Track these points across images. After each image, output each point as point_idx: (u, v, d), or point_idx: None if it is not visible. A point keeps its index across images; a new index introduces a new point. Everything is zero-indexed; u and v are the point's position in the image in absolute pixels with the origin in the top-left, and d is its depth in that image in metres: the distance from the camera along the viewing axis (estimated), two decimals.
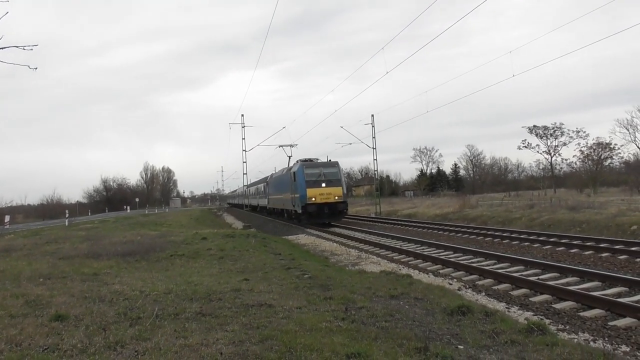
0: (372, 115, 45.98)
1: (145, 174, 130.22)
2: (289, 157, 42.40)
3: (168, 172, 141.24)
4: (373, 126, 45.59)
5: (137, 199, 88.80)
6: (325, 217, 29.24)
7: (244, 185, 65.35)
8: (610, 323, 6.88)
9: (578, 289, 8.84)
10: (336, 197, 29.36)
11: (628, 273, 10.20)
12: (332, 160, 32.40)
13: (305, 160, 31.98)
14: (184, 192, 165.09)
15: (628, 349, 5.74)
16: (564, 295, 8.39)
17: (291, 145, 43.54)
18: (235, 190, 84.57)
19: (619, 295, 8.40)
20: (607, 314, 7.32)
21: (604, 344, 5.88)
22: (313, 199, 29.10)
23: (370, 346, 5.01)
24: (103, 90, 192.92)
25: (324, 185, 29.48)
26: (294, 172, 31.03)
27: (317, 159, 32.85)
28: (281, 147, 43.72)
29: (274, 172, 46.92)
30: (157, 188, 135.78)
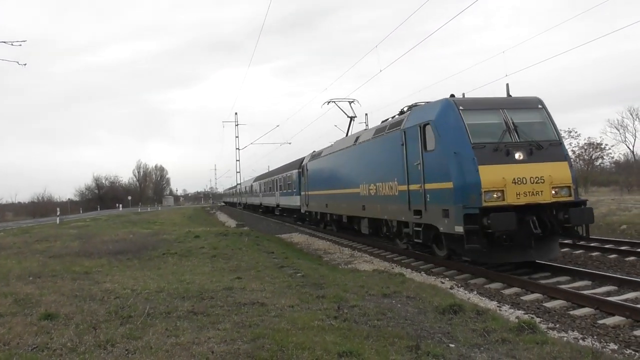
0: (366, 114, 45.85)
1: (138, 172, 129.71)
2: (351, 118, 22.87)
3: (161, 170, 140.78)
4: (367, 125, 45.57)
5: (129, 197, 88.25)
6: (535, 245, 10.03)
7: (240, 182, 61.29)
8: (600, 321, 6.93)
9: (568, 287, 8.90)
10: (557, 190, 10.25)
11: (617, 272, 10.27)
12: (524, 97, 11.78)
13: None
14: (177, 191, 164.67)
15: (616, 347, 5.78)
16: (555, 294, 8.45)
17: (286, 144, 42.69)
18: (237, 186, 67.95)
19: (608, 294, 8.47)
20: (596, 312, 7.37)
21: (593, 342, 5.92)
22: (499, 194, 9.91)
23: (362, 345, 5.02)
24: (95, 87, 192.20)
25: (521, 156, 10.25)
26: (432, 122, 11.07)
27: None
28: (279, 143, 42.24)
29: (313, 151, 25.14)
30: (150, 186, 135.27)
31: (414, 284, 9.01)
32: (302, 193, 26.52)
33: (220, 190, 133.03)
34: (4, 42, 5.70)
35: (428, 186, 11.16)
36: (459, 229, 9.85)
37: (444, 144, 10.52)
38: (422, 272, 11.49)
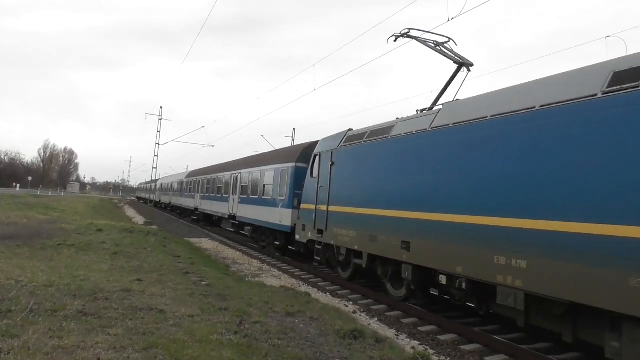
0: (294, 129, 46.10)
1: (44, 152, 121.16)
2: (463, 65, 10.82)
3: (70, 154, 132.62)
4: (293, 139, 45.77)
5: (30, 178, 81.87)
6: None
7: (159, 177, 56.24)
8: (486, 358, 7.31)
9: (461, 322, 9.33)
10: None
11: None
12: None
13: None
14: (84, 178, 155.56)
15: None
16: (450, 327, 8.82)
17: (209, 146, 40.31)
18: (156, 182, 58.81)
19: (496, 332, 8.96)
20: (484, 348, 7.77)
21: None
22: None
23: None
24: (12, 52, 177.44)
25: None
26: None
27: None
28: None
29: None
30: (56, 169, 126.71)
31: (319, 304, 9.04)
32: (308, 206, 14.14)
33: (134, 183, 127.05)
34: None
35: None
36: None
37: None
38: (328, 293, 11.58)
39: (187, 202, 37.51)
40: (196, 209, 33.99)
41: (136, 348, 5.03)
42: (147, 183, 72.83)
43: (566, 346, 7.41)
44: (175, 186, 45.01)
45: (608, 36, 8.42)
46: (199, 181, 33.84)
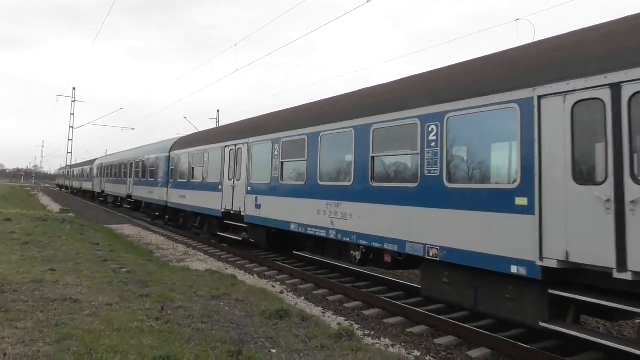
0: (218, 111, 45.15)
1: None
2: None
3: None
4: (218, 122, 44.80)
5: None
6: None
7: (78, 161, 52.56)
8: (408, 329, 7.62)
9: (385, 296, 9.64)
10: None
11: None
12: None
13: None
14: None
15: (419, 354, 6.41)
16: (374, 302, 9.09)
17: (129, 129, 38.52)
18: (83, 166, 49.52)
19: (417, 304, 9.36)
20: (406, 321, 8.09)
21: (400, 349, 6.48)
22: None
23: (181, 349, 4.82)
24: None
25: None
26: None
27: None
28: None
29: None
30: None
31: (245, 286, 8.98)
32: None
33: (48, 169, 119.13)
34: None
35: None
36: None
37: None
38: (255, 275, 11.54)
39: (119, 189, 30.34)
40: (143, 203, 25.08)
41: (47, 341, 4.75)
42: (70, 167, 54.35)
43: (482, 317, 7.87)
44: (100, 170, 37.05)
45: (518, 19, 8.76)
46: (147, 161, 24.14)
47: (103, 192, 36.67)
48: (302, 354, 5.24)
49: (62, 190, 69.72)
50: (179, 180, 19.10)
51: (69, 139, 44.48)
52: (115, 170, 31.87)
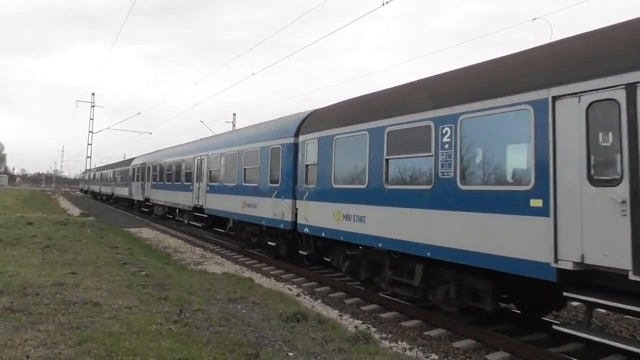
0: (234, 114, 45.31)
1: None
2: None
3: None
4: (234, 125, 45.11)
5: None
6: None
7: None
8: (425, 332, 7.58)
9: (403, 299, 9.60)
10: None
11: None
12: None
13: None
14: (13, 169, 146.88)
15: (437, 357, 6.37)
16: (390, 305, 9.06)
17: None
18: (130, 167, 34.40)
19: (434, 307, 9.29)
20: (423, 324, 8.06)
21: (418, 352, 6.45)
22: None
23: (200, 352, 4.87)
24: None
25: None
26: None
27: None
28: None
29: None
30: None
31: (262, 289, 9.03)
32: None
33: (67, 173, 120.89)
34: None
35: None
36: None
37: None
38: (272, 278, 11.58)
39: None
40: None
41: (69, 343, 4.84)
42: (107, 167, 47.36)
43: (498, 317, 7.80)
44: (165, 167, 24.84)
45: (535, 19, 8.68)
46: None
47: (147, 200, 28.00)
48: (319, 357, 5.25)
49: (86, 195, 64.08)
50: (333, 185, 10.37)
51: (88, 144, 45.16)
52: (170, 170, 23.37)
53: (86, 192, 64.63)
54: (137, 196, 30.56)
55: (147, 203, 28.54)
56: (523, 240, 5.99)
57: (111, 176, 43.42)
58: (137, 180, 30.61)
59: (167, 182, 23.92)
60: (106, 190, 45.23)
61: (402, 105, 8.54)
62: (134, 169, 32.29)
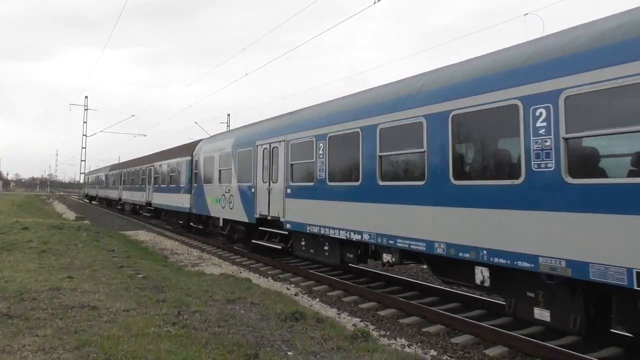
0: (229, 115, 45.16)
1: None
2: None
3: None
4: (228, 125, 45.03)
5: None
6: None
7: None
8: (424, 329, 7.60)
9: (400, 296, 9.62)
10: None
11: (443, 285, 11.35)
12: None
13: None
14: (7, 174, 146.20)
15: (435, 353, 6.39)
16: (389, 302, 9.08)
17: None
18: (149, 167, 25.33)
19: (433, 304, 9.32)
20: (421, 320, 8.07)
21: (417, 349, 6.47)
22: None
23: (199, 353, 4.87)
24: None
25: None
26: None
27: None
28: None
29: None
30: None
31: (260, 289, 9.02)
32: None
33: (62, 177, 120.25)
34: None
35: None
36: None
37: None
38: (269, 278, 11.58)
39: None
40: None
41: (67, 348, 4.83)
42: (120, 167, 36.80)
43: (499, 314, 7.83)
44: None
45: (526, 14, 8.68)
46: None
47: (149, 203, 24.37)
48: (318, 356, 5.26)
49: (91, 203, 50.92)
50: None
51: (82, 147, 44.94)
52: (208, 169, 17.02)
53: (92, 198, 52.00)
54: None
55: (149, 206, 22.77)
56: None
57: (127, 177, 31.01)
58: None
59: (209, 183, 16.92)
60: (135, 197, 29.26)
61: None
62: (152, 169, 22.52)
